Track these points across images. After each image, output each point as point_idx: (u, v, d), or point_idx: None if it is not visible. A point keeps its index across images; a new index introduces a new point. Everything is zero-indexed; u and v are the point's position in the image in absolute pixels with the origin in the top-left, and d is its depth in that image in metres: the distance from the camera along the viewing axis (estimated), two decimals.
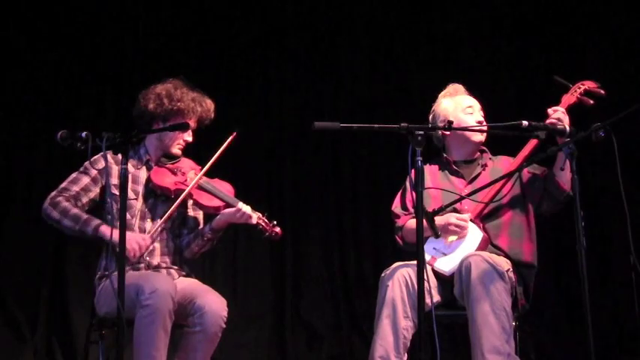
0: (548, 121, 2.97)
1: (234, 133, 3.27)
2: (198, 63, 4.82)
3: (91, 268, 3.25)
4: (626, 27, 4.63)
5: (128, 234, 2.96)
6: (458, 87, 3.38)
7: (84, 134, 2.66)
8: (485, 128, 3.21)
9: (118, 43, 4.74)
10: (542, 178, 3.14)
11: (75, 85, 4.67)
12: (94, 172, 3.19)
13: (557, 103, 3.16)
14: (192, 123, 3.26)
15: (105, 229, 3.06)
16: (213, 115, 3.35)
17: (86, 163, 3.18)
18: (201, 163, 3.33)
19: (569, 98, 3.19)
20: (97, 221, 3.11)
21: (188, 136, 3.32)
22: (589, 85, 3.24)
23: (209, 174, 3.30)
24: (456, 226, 3.07)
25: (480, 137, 3.28)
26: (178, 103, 3.23)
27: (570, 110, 3.12)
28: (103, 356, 3.08)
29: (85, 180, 3.19)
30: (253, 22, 4.91)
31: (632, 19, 4.60)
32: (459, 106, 3.29)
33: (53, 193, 3.16)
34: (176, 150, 3.32)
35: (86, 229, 3.08)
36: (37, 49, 4.62)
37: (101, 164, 3.11)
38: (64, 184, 3.19)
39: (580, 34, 4.76)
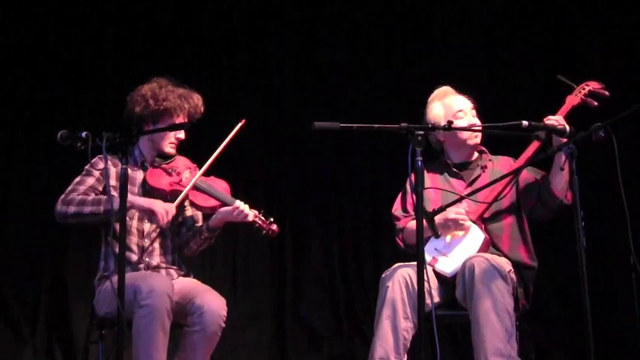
0: (547, 121, 2.94)
1: (243, 121, 3.25)
2: (199, 63, 4.83)
3: (91, 268, 3.25)
4: (626, 26, 4.63)
5: (154, 201, 3.08)
6: (446, 89, 3.34)
7: (84, 134, 2.65)
8: (484, 129, 3.19)
9: (118, 41, 4.74)
10: (539, 184, 3.13)
11: (75, 85, 4.67)
12: (96, 173, 3.18)
13: (557, 103, 3.14)
14: (181, 120, 3.24)
15: (131, 198, 3.00)
16: (202, 110, 3.31)
17: (87, 166, 3.18)
18: (203, 158, 3.29)
19: (572, 99, 3.14)
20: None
21: (180, 134, 3.29)
22: (593, 86, 3.17)
23: (206, 172, 3.26)
24: (454, 220, 3.06)
25: (475, 140, 3.26)
26: (164, 103, 3.20)
27: (574, 112, 3.08)
28: (102, 356, 3.08)
29: (91, 180, 3.18)
30: (253, 22, 4.92)
31: (632, 18, 4.59)
32: (449, 112, 3.24)
33: (62, 196, 3.12)
34: (169, 149, 3.29)
35: (110, 207, 2.88)
36: (36, 49, 4.63)
37: (101, 165, 3.11)
38: (70, 187, 3.16)
39: (580, 34, 4.76)
